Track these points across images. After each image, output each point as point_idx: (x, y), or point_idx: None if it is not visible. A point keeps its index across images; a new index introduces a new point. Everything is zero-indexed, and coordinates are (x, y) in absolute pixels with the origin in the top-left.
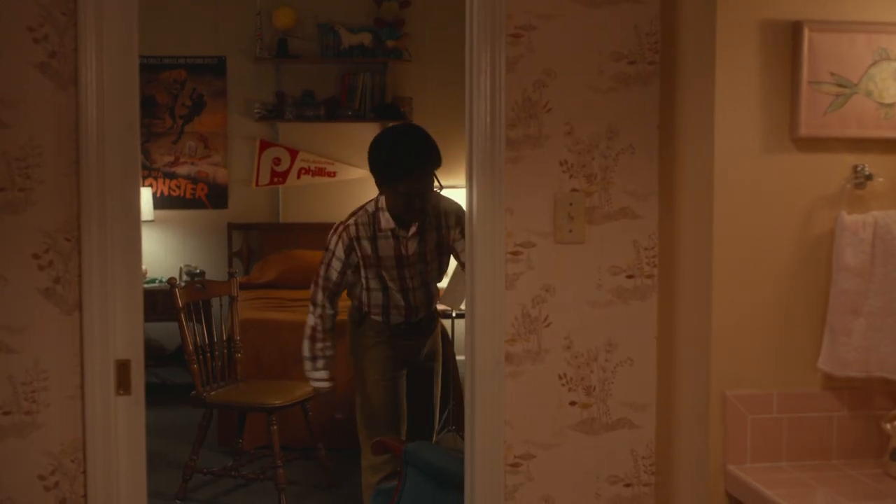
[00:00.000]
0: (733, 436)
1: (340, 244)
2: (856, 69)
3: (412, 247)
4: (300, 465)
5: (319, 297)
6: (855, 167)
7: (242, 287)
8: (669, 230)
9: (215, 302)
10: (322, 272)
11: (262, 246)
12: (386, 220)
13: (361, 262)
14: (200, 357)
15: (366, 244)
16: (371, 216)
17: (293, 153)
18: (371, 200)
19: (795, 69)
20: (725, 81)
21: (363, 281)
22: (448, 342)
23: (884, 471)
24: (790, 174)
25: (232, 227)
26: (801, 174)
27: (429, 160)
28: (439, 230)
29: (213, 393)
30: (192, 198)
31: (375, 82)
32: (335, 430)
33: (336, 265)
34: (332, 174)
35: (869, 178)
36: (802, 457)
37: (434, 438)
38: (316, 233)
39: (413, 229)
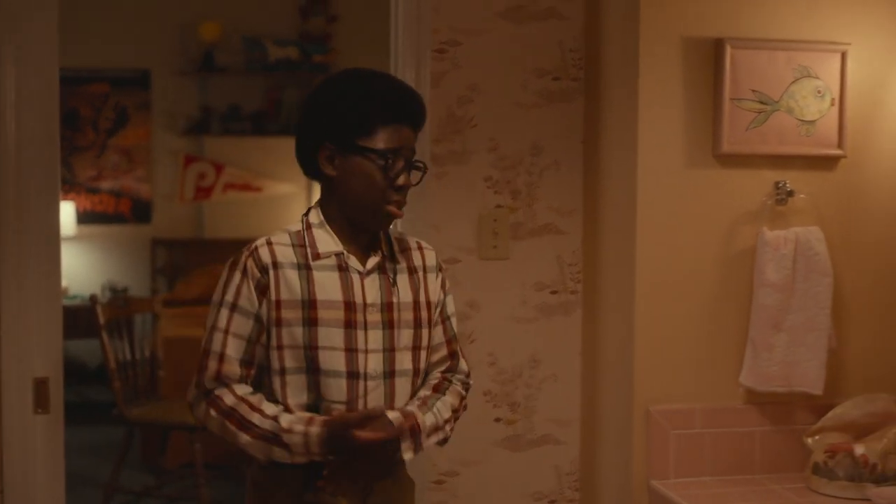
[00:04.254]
0: (657, 451)
1: (245, 281)
2: (777, 86)
3: (372, 292)
4: (224, 483)
5: (209, 382)
6: (776, 183)
7: (166, 304)
8: (593, 246)
9: (138, 319)
10: (213, 342)
11: (187, 262)
12: (325, 241)
13: (275, 317)
14: (122, 374)
15: (292, 277)
16: (297, 235)
17: (218, 168)
18: (296, 222)
19: (717, 86)
20: (648, 98)
21: (274, 360)
22: None
23: (806, 485)
24: (713, 190)
25: (156, 242)
26: (723, 190)
27: (420, 102)
28: (414, 273)
29: (135, 411)
30: (116, 213)
31: (302, 97)
32: None
33: (240, 325)
34: (258, 189)
35: (790, 194)
36: (725, 471)
37: None
38: (242, 248)
39: (374, 260)
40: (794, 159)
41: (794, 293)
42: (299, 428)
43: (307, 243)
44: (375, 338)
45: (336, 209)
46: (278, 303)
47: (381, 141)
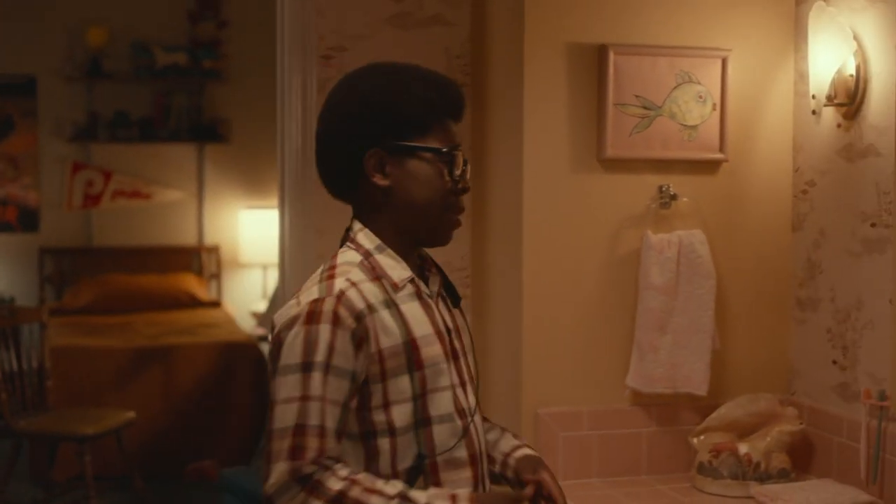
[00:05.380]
0: (545, 453)
1: (338, 334)
2: (659, 92)
3: (446, 316)
4: (115, 495)
5: (308, 467)
6: (660, 187)
7: (55, 313)
8: (481, 250)
9: (25, 329)
10: (309, 414)
11: (76, 270)
12: (394, 267)
13: (379, 371)
14: (9, 385)
15: (386, 318)
16: (366, 267)
17: (107, 175)
18: (343, 252)
19: (601, 91)
20: (533, 103)
21: (381, 422)
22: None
23: (691, 484)
24: (598, 194)
25: (43, 251)
26: (608, 194)
27: (464, 93)
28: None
29: (22, 422)
30: (2, 221)
31: (192, 103)
32: (151, 458)
33: (336, 388)
34: (147, 196)
35: (674, 198)
36: (613, 473)
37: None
38: (131, 256)
39: (437, 280)
40: (676, 163)
41: (678, 296)
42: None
43: (379, 274)
44: (464, 367)
45: (389, 226)
46: (381, 354)
47: (435, 140)
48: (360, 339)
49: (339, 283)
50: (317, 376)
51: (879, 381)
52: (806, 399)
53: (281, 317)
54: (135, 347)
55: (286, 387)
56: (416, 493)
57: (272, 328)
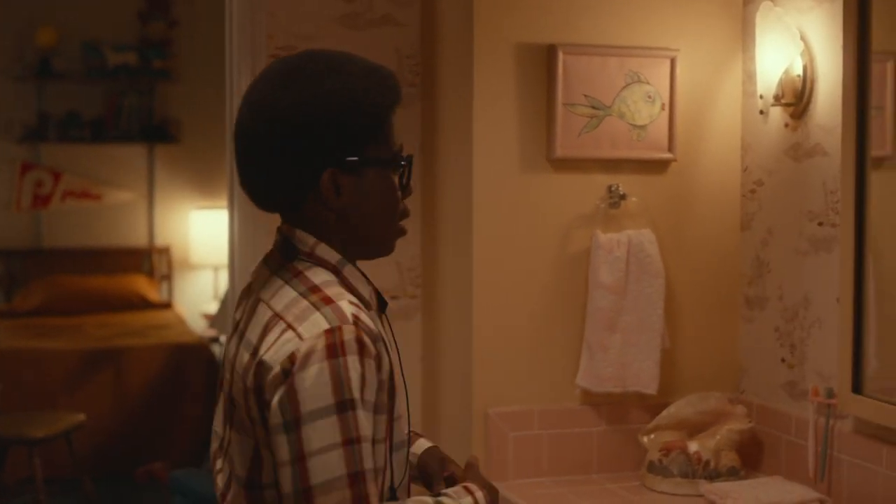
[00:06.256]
0: (496, 453)
1: (367, 364)
2: (609, 92)
3: (387, 327)
4: (65, 498)
5: None
6: (609, 187)
7: (4, 315)
8: (432, 251)
9: None
10: (363, 459)
11: (25, 272)
12: (362, 282)
13: (385, 400)
14: None
15: (384, 349)
16: (346, 286)
17: (57, 176)
18: (310, 268)
19: (550, 91)
20: (483, 103)
21: (380, 457)
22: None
23: (641, 483)
24: (548, 194)
25: None
26: (558, 194)
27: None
28: None
29: None
30: None
31: (143, 103)
32: (102, 460)
33: (370, 424)
34: (97, 197)
35: (623, 197)
36: (563, 472)
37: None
38: (81, 258)
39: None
40: (626, 163)
41: (628, 295)
42: (467, 500)
43: (352, 292)
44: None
45: (339, 239)
46: (384, 381)
47: (386, 144)
48: (379, 366)
49: (347, 307)
50: (359, 415)
51: (827, 378)
52: (755, 397)
53: (276, 355)
54: (85, 349)
55: (321, 433)
56: (445, 499)
57: (261, 369)
